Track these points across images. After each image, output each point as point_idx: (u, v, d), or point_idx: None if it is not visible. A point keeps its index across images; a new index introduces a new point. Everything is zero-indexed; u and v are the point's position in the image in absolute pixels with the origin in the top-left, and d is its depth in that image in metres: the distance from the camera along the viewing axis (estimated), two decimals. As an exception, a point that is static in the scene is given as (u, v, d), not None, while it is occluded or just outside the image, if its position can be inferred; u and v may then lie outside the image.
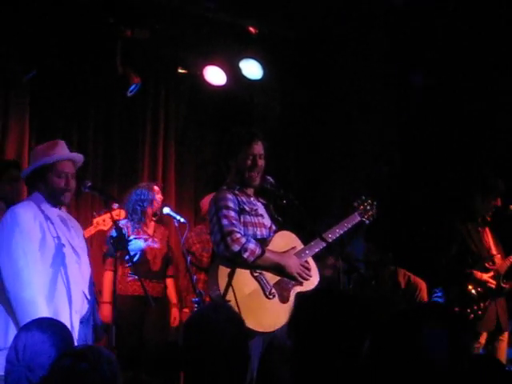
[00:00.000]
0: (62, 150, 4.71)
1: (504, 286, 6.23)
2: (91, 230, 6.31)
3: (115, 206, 6.03)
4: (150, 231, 6.96)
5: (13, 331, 4.25)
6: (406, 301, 6.51)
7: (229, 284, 4.63)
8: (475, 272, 6.21)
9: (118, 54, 7.39)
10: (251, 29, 7.78)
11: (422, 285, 6.61)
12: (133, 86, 7.52)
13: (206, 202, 7.18)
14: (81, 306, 4.59)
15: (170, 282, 7.08)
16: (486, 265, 6.28)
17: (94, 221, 6.30)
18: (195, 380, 2.83)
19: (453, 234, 6.34)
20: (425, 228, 7.14)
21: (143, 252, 6.81)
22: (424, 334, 2.38)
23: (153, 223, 7.00)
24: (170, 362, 7.20)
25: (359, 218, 5.41)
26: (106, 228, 6.33)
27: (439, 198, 7.46)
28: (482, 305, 6.17)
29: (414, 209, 7.64)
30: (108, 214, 5.98)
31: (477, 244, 6.36)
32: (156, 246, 6.92)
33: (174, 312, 7.02)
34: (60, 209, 4.71)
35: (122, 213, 6.51)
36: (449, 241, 6.33)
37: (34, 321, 3.46)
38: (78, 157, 4.82)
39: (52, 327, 3.27)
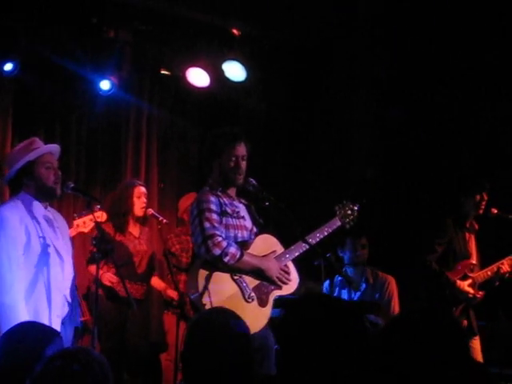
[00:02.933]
0: (41, 145, 4.71)
1: (478, 295, 6.31)
2: (72, 232, 6.24)
3: (97, 207, 6.00)
4: (136, 233, 6.93)
5: None
6: (374, 295, 6.57)
7: (207, 287, 4.65)
8: (458, 282, 6.27)
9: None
10: (234, 31, 7.78)
11: (391, 279, 6.66)
12: (109, 87, 7.50)
13: (183, 202, 7.21)
14: (61, 309, 4.56)
15: (154, 278, 7.05)
16: (466, 272, 6.35)
17: (75, 223, 6.22)
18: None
19: (442, 234, 6.38)
20: (411, 228, 7.16)
21: (130, 254, 6.77)
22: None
23: (138, 225, 6.96)
24: (152, 363, 7.21)
25: (340, 223, 5.42)
26: (86, 230, 6.26)
27: (424, 200, 7.50)
28: (454, 309, 6.25)
29: (399, 212, 7.68)
30: (89, 216, 5.94)
31: (462, 248, 6.42)
32: (142, 247, 6.89)
33: (170, 293, 6.92)
34: (46, 208, 4.68)
35: (104, 215, 6.47)
36: (437, 241, 6.36)
37: (20, 324, 3.43)
38: (56, 147, 4.83)
39: (40, 331, 3.26)
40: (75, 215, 6.28)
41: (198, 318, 3.17)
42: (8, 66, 7.03)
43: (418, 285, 6.53)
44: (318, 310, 2.62)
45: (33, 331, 3.26)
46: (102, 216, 6.33)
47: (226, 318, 3.00)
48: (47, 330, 3.36)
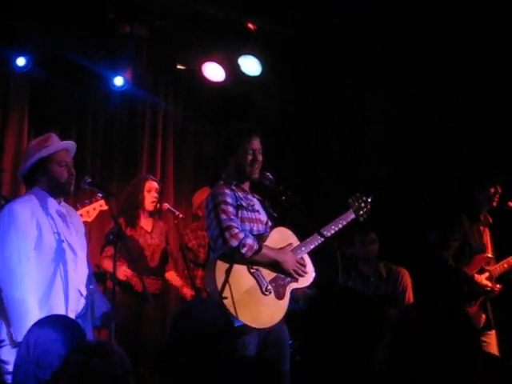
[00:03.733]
0: (56, 141, 4.71)
1: (496, 289, 6.31)
2: None
3: (99, 195, 5.97)
4: (148, 227, 6.95)
5: (3, 330, 4.30)
6: (390, 289, 6.57)
7: (226, 280, 4.66)
8: (476, 276, 6.26)
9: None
10: (250, 25, 7.79)
11: (404, 271, 6.67)
12: (122, 84, 7.52)
13: (197, 197, 7.22)
14: (76, 304, 4.57)
15: (171, 273, 7.01)
16: (483, 265, 6.34)
17: (78, 212, 6.25)
18: (182, 372, 2.85)
19: (456, 230, 6.37)
20: (427, 223, 7.15)
21: (141, 248, 6.78)
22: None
23: (151, 219, 6.97)
24: (168, 358, 7.22)
25: (354, 215, 5.42)
26: (90, 219, 6.19)
27: (438, 196, 7.48)
28: (473, 302, 6.25)
29: (412, 208, 7.67)
30: (92, 205, 5.92)
31: (477, 242, 6.41)
32: (154, 241, 6.90)
33: (186, 291, 6.88)
34: (60, 203, 4.69)
35: (104, 203, 6.46)
36: (452, 237, 6.36)
37: (48, 317, 3.47)
38: (72, 144, 4.82)
39: (65, 326, 3.26)
40: (78, 205, 6.27)
41: (179, 310, 3.18)
42: (21, 61, 7.07)
43: (431, 281, 6.53)
44: (336, 302, 2.62)
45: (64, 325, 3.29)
46: (103, 205, 6.34)
47: (206, 310, 3.00)
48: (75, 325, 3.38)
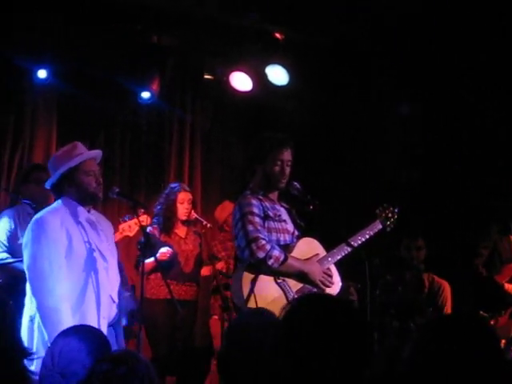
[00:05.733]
0: (83, 151, 4.73)
1: None
2: (117, 236, 6.31)
3: (141, 211, 6.06)
4: (182, 233, 6.96)
5: (39, 339, 4.32)
6: (430, 302, 6.51)
7: (252, 291, 4.65)
8: (506, 285, 6.22)
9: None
10: (277, 35, 7.78)
11: (445, 284, 6.60)
12: (148, 96, 7.56)
13: (219, 213, 7.27)
14: (108, 311, 4.59)
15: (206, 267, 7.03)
16: None
17: (120, 227, 6.30)
18: None
19: (486, 238, 6.33)
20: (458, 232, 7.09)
21: (175, 254, 6.79)
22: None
23: (185, 227, 6.99)
24: (200, 367, 7.21)
25: (381, 226, 5.40)
26: (131, 234, 6.33)
27: (466, 203, 7.41)
28: (503, 312, 6.19)
29: (441, 215, 7.61)
30: (134, 220, 6.01)
31: (507, 251, 6.36)
32: (188, 247, 6.92)
33: (219, 265, 6.86)
34: (89, 211, 4.71)
35: (148, 219, 6.54)
36: (482, 245, 6.31)
37: (73, 327, 3.46)
38: (98, 153, 4.85)
39: (90, 336, 3.26)
40: (120, 219, 6.36)
41: (237, 319, 3.17)
42: (42, 74, 7.12)
43: (464, 288, 6.49)
44: (314, 311, 2.56)
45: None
46: (146, 220, 6.40)
47: (262, 320, 2.99)
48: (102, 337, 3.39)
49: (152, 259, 6.13)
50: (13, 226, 5.80)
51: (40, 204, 5.68)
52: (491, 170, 7.36)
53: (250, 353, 2.86)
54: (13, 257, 5.57)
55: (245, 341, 2.91)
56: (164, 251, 6.49)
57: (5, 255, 5.69)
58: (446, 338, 2.40)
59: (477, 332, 2.44)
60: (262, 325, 2.95)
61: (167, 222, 6.86)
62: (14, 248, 5.67)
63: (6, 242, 5.75)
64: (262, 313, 3.14)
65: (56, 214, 4.57)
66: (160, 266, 6.27)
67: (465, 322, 2.48)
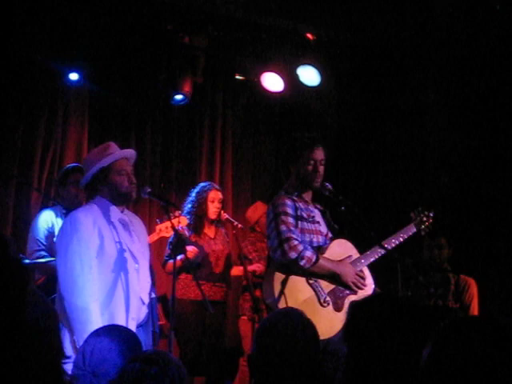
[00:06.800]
0: (116, 150, 4.74)
1: None
2: (154, 237, 6.32)
3: (177, 213, 6.08)
4: (212, 234, 6.96)
5: (67, 338, 4.32)
6: (456, 299, 6.46)
7: (283, 291, 4.64)
8: None
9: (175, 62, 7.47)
10: (309, 35, 7.76)
11: (471, 281, 6.55)
12: (180, 97, 7.57)
13: (251, 213, 7.29)
14: (137, 312, 4.60)
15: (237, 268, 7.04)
16: None
17: (157, 228, 6.33)
18: None
19: None
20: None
21: (205, 254, 6.79)
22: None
23: (213, 226, 6.99)
24: (229, 367, 7.21)
25: (415, 229, 5.36)
26: (168, 235, 6.34)
27: (500, 206, 7.34)
28: None
29: (476, 217, 7.53)
30: (170, 221, 6.01)
31: None
32: (218, 247, 6.91)
33: (253, 267, 6.91)
34: (122, 211, 4.72)
35: (185, 220, 6.55)
36: None
37: (105, 327, 3.46)
38: (132, 152, 4.86)
39: (121, 335, 3.26)
40: (157, 221, 6.38)
41: (266, 320, 3.17)
42: (74, 76, 7.17)
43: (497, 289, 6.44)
44: (386, 310, 2.58)
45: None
46: (183, 221, 6.42)
47: (292, 321, 2.98)
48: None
49: (180, 257, 6.12)
50: (50, 225, 5.83)
51: (74, 206, 5.71)
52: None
53: (280, 353, 2.87)
54: (50, 255, 5.59)
55: (273, 342, 2.91)
56: (190, 249, 6.48)
57: (42, 254, 5.72)
58: (465, 340, 2.38)
59: (498, 335, 2.41)
60: (290, 325, 2.95)
61: (198, 221, 6.85)
62: (51, 247, 5.70)
63: (43, 241, 5.78)
64: (289, 313, 3.13)
65: (89, 213, 4.59)
66: (189, 265, 6.27)
67: (486, 324, 2.45)
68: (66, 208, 5.80)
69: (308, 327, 3.03)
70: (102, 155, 4.68)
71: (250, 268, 6.86)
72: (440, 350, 2.37)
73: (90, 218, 4.54)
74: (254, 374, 2.98)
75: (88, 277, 4.39)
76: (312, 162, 4.97)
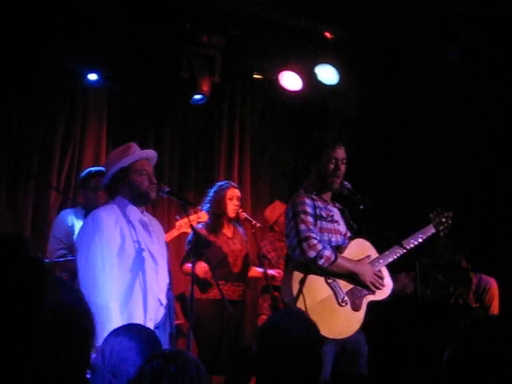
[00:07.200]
0: (136, 151, 4.74)
1: None
2: (174, 233, 6.33)
3: (198, 207, 6.07)
4: (230, 233, 6.94)
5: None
6: (477, 299, 6.45)
7: (302, 290, 4.64)
8: None
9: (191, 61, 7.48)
10: (327, 34, 7.74)
11: (492, 281, 6.52)
12: (199, 97, 7.57)
13: (270, 213, 7.29)
14: (155, 313, 4.59)
15: (251, 270, 7.00)
16: None
17: (177, 224, 6.32)
18: None
19: None
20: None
21: (224, 254, 6.77)
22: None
23: (231, 226, 6.97)
24: (245, 367, 7.20)
25: (434, 230, 5.34)
26: (188, 230, 6.33)
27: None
28: None
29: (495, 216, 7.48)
30: (191, 217, 5.99)
31: None
32: (236, 247, 6.88)
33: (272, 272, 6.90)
34: (142, 212, 4.73)
35: (205, 215, 6.54)
36: None
37: (124, 326, 3.46)
38: (152, 153, 4.86)
39: (141, 335, 3.25)
40: (177, 217, 6.37)
41: (268, 320, 3.17)
42: (92, 76, 7.20)
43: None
44: (406, 311, 2.57)
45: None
46: (203, 216, 6.41)
47: (294, 321, 2.99)
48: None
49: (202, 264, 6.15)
50: (70, 225, 5.85)
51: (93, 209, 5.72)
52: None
53: (282, 353, 2.89)
54: (70, 254, 5.61)
55: (276, 342, 2.93)
56: (201, 266, 6.44)
57: (63, 252, 5.75)
58: (487, 340, 2.37)
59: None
60: (294, 325, 2.96)
61: (216, 220, 6.82)
62: (71, 246, 5.72)
63: (64, 240, 5.81)
64: (292, 313, 3.13)
65: (111, 212, 4.60)
66: (208, 265, 6.26)
67: (506, 324, 2.44)
68: (85, 209, 5.82)
69: (310, 327, 3.02)
70: (122, 155, 4.69)
71: (270, 273, 6.85)
72: (461, 349, 2.36)
73: (112, 217, 4.56)
74: (257, 374, 2.97)
75: (109, 275, 4.40)
76: (333, 161, 4.96)
